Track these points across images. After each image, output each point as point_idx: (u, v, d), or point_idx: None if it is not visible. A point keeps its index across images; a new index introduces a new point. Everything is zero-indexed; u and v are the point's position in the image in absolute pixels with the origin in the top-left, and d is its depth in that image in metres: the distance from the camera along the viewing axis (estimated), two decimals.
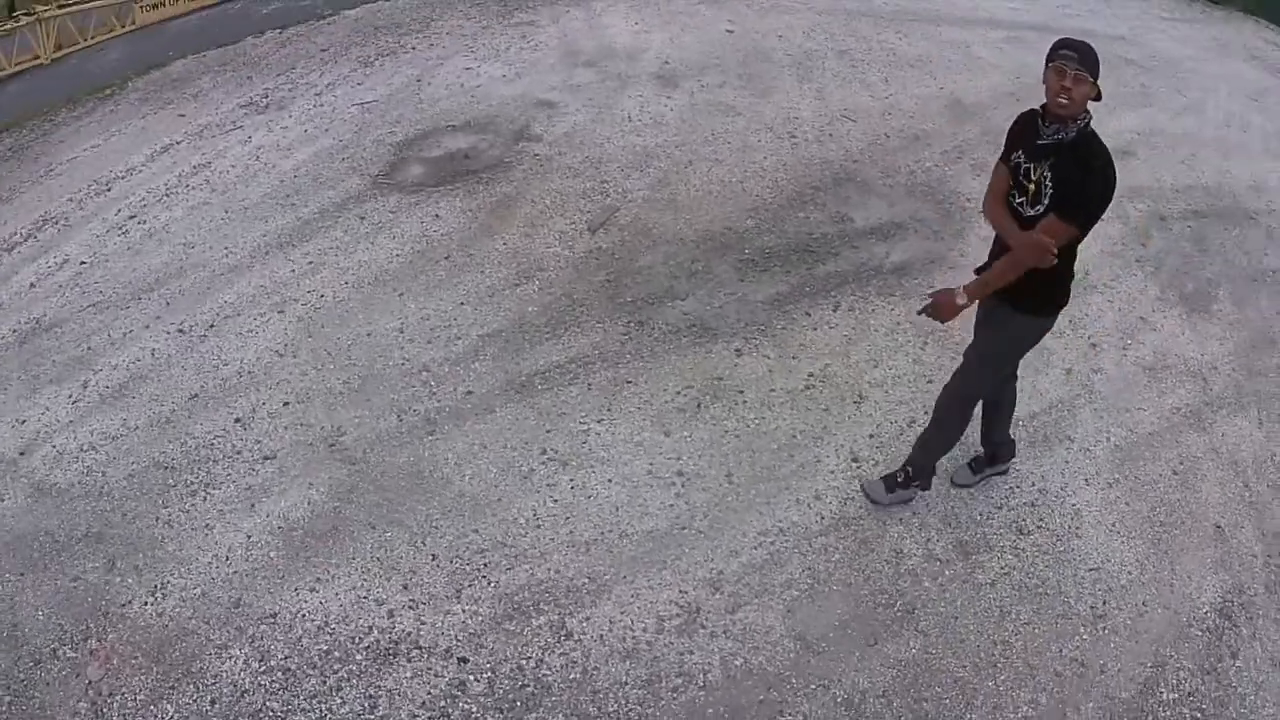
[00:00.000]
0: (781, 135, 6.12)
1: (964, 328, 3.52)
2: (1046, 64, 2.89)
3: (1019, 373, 3.68)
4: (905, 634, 3.35)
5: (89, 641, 3.37)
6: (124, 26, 6.79)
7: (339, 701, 3.14)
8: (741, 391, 4.29)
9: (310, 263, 5.19)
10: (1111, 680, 3.25)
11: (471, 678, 3.19)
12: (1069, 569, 3.60)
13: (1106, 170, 2.89)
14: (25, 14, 7.48)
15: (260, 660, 3.28)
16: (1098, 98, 2.90)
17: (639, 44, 7.32)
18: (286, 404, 4.31)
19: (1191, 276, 5.23)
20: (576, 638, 3.30)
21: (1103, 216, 2.97)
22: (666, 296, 4.82)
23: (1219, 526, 3.83)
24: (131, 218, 5.81)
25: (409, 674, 3.21)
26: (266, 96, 6.96)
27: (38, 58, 7.70)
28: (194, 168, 6.21)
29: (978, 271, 3.22)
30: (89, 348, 4.81)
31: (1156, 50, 7.79)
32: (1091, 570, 3.61)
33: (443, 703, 3.12)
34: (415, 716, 3.09)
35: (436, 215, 5.45)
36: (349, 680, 3.20)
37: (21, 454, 4.19)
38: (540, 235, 5.27)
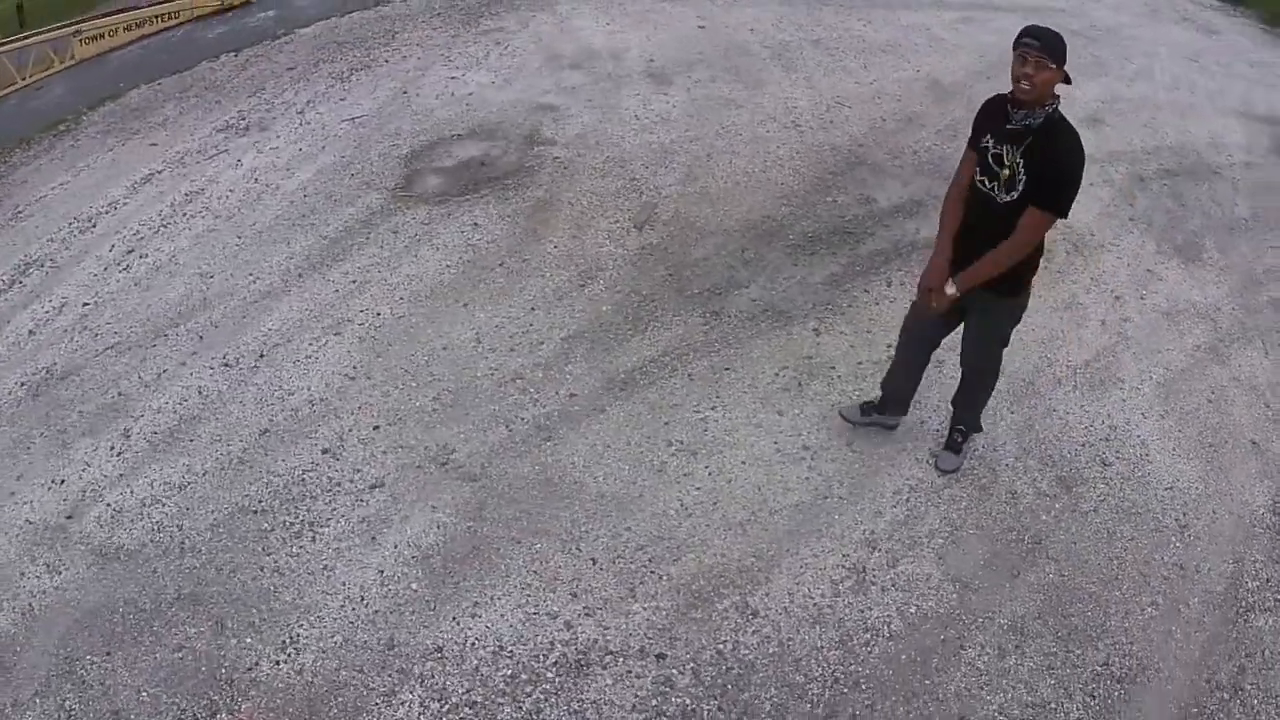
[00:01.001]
0: (786, 125, 6.32)
1: None
2: (1013, 51, 3.02)
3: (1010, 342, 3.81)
4: (1040, 563, 3.67)
5: (219, 717, 3.06)
6: (63, 62, 6.27)
7: None
8: (833, 367, 4.45)
9: (353, 281, 5.01)
10: (1206, 579, 3.69)
11: (674, 671, 3.20)
12: (1150, 490, 4.02)
13: (1076, 155, 3.05)
14: None
15: (439, 700, 3.12)
16: (1067, 81, 3.04)
17: (617, 44, 7.37)
18: (377, 428, 4.16)
19: (1179, 230, 5.73)
20: (763, 614, 3.37)
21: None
22: (731, 285, 4.92)
23: (1254, 442, 4.35)
24: (129, 252, 5.44)
25: (609, 681, 3.16)
26: (244, 118, 6.62)
27: None
28: (186, 195, 5.85)
29: (953, 263, 3.32)
30: (119, 393, 4.48)
31: (1095, 19, 8.39)
32: (1168, 489, 4.03)
33: (654, 701, 3.11)
34: None
35: (475, 224, 5.36)
36: (547, 701, 3.11)
37: (69, 518, 3.82)
38: (589, 236, 5.27)
